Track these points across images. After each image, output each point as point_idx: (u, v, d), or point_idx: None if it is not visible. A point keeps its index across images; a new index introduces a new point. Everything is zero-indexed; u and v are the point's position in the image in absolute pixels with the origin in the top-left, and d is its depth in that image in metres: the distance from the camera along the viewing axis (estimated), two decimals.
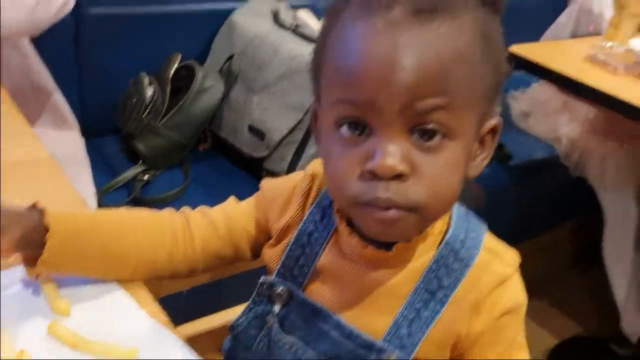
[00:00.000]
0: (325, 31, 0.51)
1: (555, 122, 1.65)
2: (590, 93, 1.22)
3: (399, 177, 0.46)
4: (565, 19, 1.68)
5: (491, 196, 1.45)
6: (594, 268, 1.65)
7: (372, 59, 0.46)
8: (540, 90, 1.72)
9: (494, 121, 0.53)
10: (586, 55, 1.34)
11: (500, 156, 1.52)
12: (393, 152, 0.46)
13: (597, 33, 1.51)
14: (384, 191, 0.46)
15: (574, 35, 1.59)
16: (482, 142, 0.53)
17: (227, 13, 1.38)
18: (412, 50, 0.45)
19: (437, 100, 0.46)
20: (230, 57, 1.27)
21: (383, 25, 0.46)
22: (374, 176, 0.47)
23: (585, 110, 1.59)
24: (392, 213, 0.47)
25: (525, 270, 0.56)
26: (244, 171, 1.32)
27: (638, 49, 1.30)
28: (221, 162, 1.34)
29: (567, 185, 1.64)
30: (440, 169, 0.48)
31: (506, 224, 1.58)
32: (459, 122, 0.48)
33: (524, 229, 1.64)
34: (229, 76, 1.25)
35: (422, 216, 0.48)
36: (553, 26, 1.71)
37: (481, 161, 0.53)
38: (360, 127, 0.48)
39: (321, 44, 0.51)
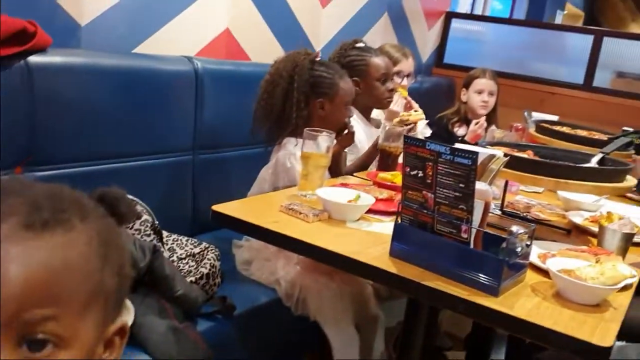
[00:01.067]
0: None
1: (274, 267, 1.76)
2: (285, 241, 1.33)
3: None
4: (264, 173, 1.84)
5: (218, 349, 1.45)
6: None
7: None
8: None
9: (119, 323, 0.55)
10: (283, 206, 1.47)
11: (224, 309, 1.54)
12: None
13: (292, 184, 1.69)
14: None
15: (275, 188, 1.74)
16: (109, 343, 0.54)
17: None
18: (18, 262, 0.47)
19: (45, 311, 0.47)
20: None
21: None
22: None
23: None
24: None
25: None
26: None
27: (323, 197, 1.47)
28: None
29: (294, 324, 1.72)
30: None
31: None
32: (72, 331, 0.49)
33: None
34: None
35: None
36: (256, 181, 1.85)
37: None
38: None
39: None
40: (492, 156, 1.38)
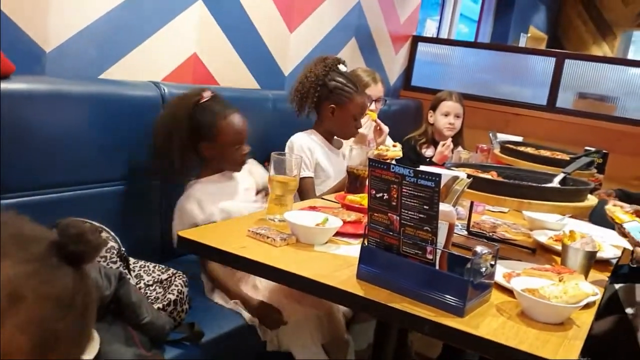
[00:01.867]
0: None
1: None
2: (252, 266, 1.33)
3: None
4: (174, 220, 1.84)
5: None
6: None
7: None
8: None
9: None
10: (251, 231, 1.47)
11: (192, 335, 1.52)
12: None
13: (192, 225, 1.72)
14: None
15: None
16: None
17: None
18: None
19: None
20: None
21: None
22: None
23: None
24: None
25: None
26: None
27: (291, 220, 1.47)
28: None
29: (263, 350, 1.71)
30: None
31: None
32: None
33: None
34: None
35: None
36: (172, 229, 1.85)
37: None
38: None
39: None
40: (455, 177, 1.40)
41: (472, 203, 1.79)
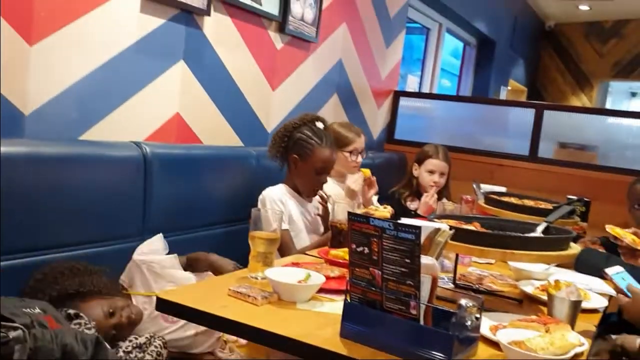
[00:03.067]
0: None
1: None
2: (232, 326, 1.29)
3: None
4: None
5: None
6: None
7: None
8: None
9: None
10: (231, 290, 1.44)
11: None
12: None
13: None
14: None
15: None
16: None
17: None
18: None
19: None
20: None
21: None
22: None
23: None
24: None
25: None
26: None
27: (272, 278, 1.45)
28: None
29: None
30: None
31: None
32: None
33: None
34: None
35: None
36: None
37: None
38: None
39: None
40: (437, 229, 1.39)
41: (457, 255, 1.78)
